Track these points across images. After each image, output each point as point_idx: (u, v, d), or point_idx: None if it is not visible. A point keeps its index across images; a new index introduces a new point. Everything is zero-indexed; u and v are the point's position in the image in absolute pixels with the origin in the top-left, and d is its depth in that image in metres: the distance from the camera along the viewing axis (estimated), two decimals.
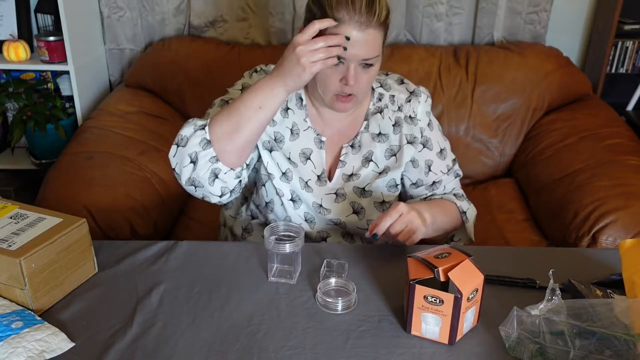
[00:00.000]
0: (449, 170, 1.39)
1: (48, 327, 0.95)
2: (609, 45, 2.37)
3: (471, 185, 2.17)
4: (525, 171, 2.07)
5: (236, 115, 1.14)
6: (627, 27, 2.40)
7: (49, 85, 2.43)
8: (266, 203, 1.36)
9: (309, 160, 1.32)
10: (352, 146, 1.33)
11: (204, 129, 1.15)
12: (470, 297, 0.93)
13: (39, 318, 0.97)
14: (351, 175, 1.33)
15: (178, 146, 1.18)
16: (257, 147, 1.30)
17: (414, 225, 1.15)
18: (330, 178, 1.34)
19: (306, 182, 1.32)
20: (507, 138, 2.18)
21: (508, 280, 1.09)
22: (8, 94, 2.28)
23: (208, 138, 1.15)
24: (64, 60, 2.20)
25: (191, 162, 1.16)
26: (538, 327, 0.89)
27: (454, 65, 2.20)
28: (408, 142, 1.34)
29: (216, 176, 1.17)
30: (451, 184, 1.41)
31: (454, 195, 1.40)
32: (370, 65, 1.19)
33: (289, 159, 1.31)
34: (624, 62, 2.47)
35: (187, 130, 1.18)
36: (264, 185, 1.34)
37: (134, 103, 2.16)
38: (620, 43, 2.42)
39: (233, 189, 1.21)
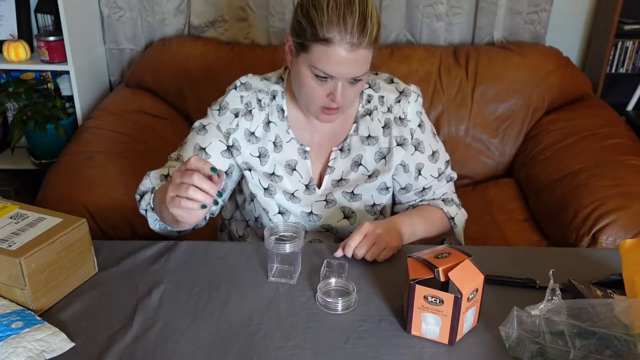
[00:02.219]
0: (440, 175, 1.36)
1: (48, 327, 0.95)
2: (609, 45, 2.37)
3: (471, 185, 2.17)
4: (525, 171, 2.07)
5: (162, 207, 1.09)
6: (627, 27, 2.40)
7: (49, 85, 2.43)
8: (255, 218, 1.36)
9: (294, 171, 1.31)
10: (341, 150, 1.32)
11: (153, 191, 1.19)
12: (470, 297, 0.93)
13: (39, 318, 0.97)
14: (340, 180, 1.32)
15: (140, 197, 1.24)
16: (238, 169, 1.31)
17: (382, 244, 1.16)
18: (319, 185, 1.33)
19: (292, 194, 1.31)
20: (507, 138, 2.17)
21: (508, 280, 1.09)
22: (8, 94, 2.28)
23: (152, 205, 1.19)
24: (64, 60, 2.20)
25: (146, 216, 1.24)
26: (538, 327, 0.89)
27: (454, 65, 2.20)
28: (398, 145, 1.31)
29: (166, 227, 1.23)
30: (442, 189, 1.38)
31: (443, 200, 1.37)
32: (359, 80, 1.18)
33: (272, 174, 1.30)
34: (624, 62, 2.47)
35: (144, 186, 1.24)
36: (252, 200, 1.34)
37: (134, 103, 2.16)
38: (620, 43, 2.42)
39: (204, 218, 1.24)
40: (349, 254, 1.16)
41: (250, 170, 1.30)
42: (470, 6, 2.33)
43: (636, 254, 0.98)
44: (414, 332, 0.96)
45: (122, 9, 2.34)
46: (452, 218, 1.35)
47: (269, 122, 1.30)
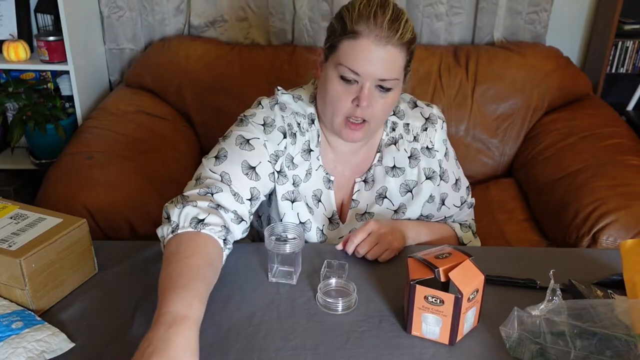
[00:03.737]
0: (462, 204, 1.34)
1: (48, 328, 0.94)
2: (609, 45, 2.37)
3: (471, 185, 2.16)
4: (526, 171, 2.07)
5: (162, 269, 0.95)
6: (627, 27, 2.41)
7: (49, 85, 2.43)
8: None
9: (320, 203, 1.25)
10: (364, 181, 1.26)
11: (175, 232, 1.01)
12: (471, 297, 0.93)
13: (39, 318, 0.97)
14: (364, 214, 1.26)
15: (167, 216, 1.05)
16: (270, 194, 1.21)
17: (384, 244, 1.14)
18: (342, 219, 1.27)
19: (322, 231, 1.26)
20: (507, 138, 2.18)
21: (508, 280, 1.09)
22: (8, 94, 2.27)
23: (164, 243, 1.03)
24: (63, 60, 2.19)
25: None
26: (539, 328, 0.89)
27: (454, 65, 2.20)
28: (427, 178, 1.26)
29: None
30: (462, 216, 1.36)
31: (461, 224, 1.36)
32: (388, 90, 1.11)
33: (306, 204, 1.23)
34: (624, 62, 2.47)
35: (173, 212, 1.03)
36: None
37: (134, 103, 2.15)
38: (620, 43, 2.42)
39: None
40: (350, 251, 1.15)
41: (293, 202, 1.21)
42: (470, 6, 2.33)
43: (637, 254, 0.98)
44: (414, 332, 0.96)
45: (122, 8, 2.34)
46: (464, 245, 1.34)
47: (310, 150, 1.22)
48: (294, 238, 1.09)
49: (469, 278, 0.93)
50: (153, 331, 0.82)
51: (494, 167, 2.20)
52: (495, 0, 2.29)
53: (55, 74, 2.41)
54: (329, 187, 1.25)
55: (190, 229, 1.00)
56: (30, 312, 0.98)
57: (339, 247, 1.16)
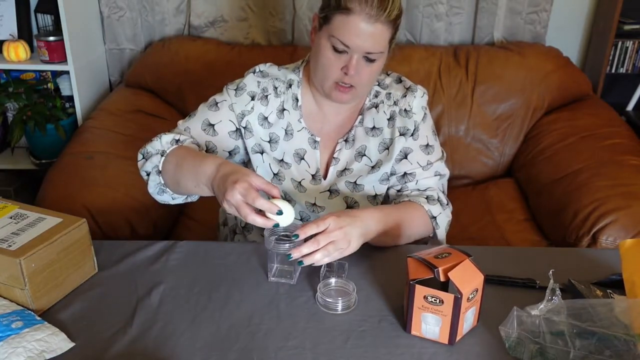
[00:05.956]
0: (427, 164, 1.33)
1: (48, 327, 0.95)
2: (609, 45, 2.37)
3: (471, 185, 2.17)
4: (525, 171, 2.07)
5: (180, 174, 1.16)
6: (627, 27, 2.40)
7: (49, 85, 2.43)
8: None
9: (302, 160, 1.34)
10: (346, 140, 1.34)
11: (164, 154, 1.20)
12: (470, 297, 0.93)
13: (39, 318, 0.97)
14: (344, 170, 1.34)
15: (143, 157, 1.26)
16: (244, 153, 1.34)
17: (340, 244, 1.06)
18: (325, 176, 1.35)
19: (299, 182, 1.33)
20: (507, 138, 2.18)
21: (508, 280, 1.09)
22: (8, 94, 2.27)
23: (160, 168, 1.20)
24: (64, 60, 2.20)
25: (147, 175, 1.25)
26: (538, 327, 0.89)
27: (454, 65, 2.20)
28: (400, 135, 1.33)
29: (164, 192, 1.25)
30: (427, 180, 1.32)
31: (427, 197, 1.30)
32: (373, 60, 1.21)
33: (281, 160, 1.33)
34: (624, 62, 2.47)
35: (152, 147, 1.24)
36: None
37: (134, 103, 2.16)
38: (620, 43, 2.42)
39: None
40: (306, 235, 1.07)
41: (262, 153, 1.32)
42: (470, 6, 2.33)
43: (636, 254, 0.98)
44: (414, 332, 0.96)
45: (122, 9, 2.34)
46: (434, 217, 1.29)
47: (284, 109, 1.33)
48: (294, 238, 1.09)
49: (468, 278, 0.93)
50: (215, 180, 1.05)
51: (494, 167, 2.20)
52: (495, 0, 2.29)
53: (55, 74, 2.41)
54: (315, 147, 1.34)
55: (175, 147, 1.20)
56: (30, 311, 0.98)
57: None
